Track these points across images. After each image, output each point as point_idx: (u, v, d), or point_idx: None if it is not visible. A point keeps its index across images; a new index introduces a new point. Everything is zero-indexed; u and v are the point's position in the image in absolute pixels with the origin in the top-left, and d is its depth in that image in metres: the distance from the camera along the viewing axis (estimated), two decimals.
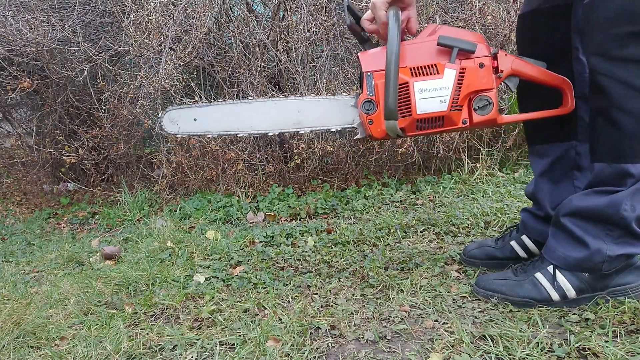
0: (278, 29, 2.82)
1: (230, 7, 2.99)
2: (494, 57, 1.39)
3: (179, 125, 1.62)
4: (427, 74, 1.34)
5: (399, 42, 1.28)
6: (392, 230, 2.20)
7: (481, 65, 1.34)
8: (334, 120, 1.52)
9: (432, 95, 1.33)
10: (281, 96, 1.55)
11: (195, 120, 1.60)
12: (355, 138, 1.68)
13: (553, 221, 1.43)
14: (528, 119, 1.48)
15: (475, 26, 2.86)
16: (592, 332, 1.24)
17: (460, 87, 1.33)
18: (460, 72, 1.33)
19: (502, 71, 1.39)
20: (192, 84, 2.76)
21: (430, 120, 1.35)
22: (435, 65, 1.34)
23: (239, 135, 1.50)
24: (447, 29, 1.37)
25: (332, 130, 1.54)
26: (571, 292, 1.36)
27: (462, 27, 2.88)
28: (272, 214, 2.68)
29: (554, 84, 1.44)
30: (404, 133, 1.37)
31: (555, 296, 1.37)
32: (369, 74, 1.36)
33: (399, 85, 1.31)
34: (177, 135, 1.68)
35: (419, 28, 1.48)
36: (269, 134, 1.64)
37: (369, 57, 1.38)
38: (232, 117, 1.56)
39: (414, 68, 1.34)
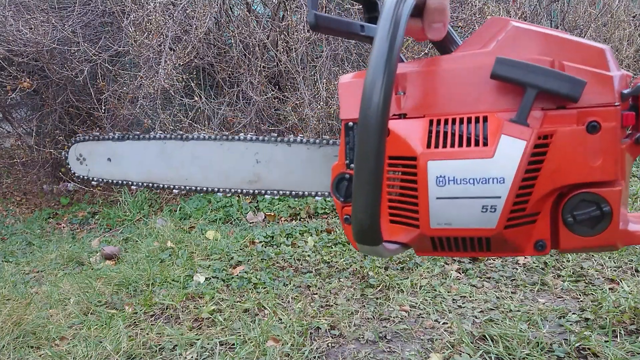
0: (278, 29, 2.82)
1: (230, 7, 2.99)
2: (630, 102, 0.65)
3: (89, 165, 1.19)
4: (460, 144, 0.63)
5: (398, 53, 0.56)
6: None
7: (593, 128, 0.60)
8: (310, 181, 0.97)
9: (466, 195, 0.62)
10: (238, 136, 1.03)
11: (109, 160, 1.16)
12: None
13: None
14: None
15: (475, 26, 2.86)
16: (592, 332, 1.24)
17: (535, 178, 0.61)
18: (537, 146, 0.60)
19: None
20: (192, 84, 2.76)
21: (460, 240, 0.66)
22: (480, 122, 0.63)
23: (174, 192, 1.03)
24: (527, 33, 0.65)
25: (307, 196, 1.01)
26: None
27: (461, 28, 2.88)
28: (272, 214, 2.68)
29: None
30: (404, 249, 0.69)
31: None
32: (349, 124, 0.71)
33: (398, 162, 0.65)
34: (92, 182, 1.20)
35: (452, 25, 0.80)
36: (218, 194, 1.09)
37: (352, 89, 0.70)
38: (160, 163, 1.10)
39: (433, 124, 0.65)
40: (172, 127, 2.78)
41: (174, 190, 1.09)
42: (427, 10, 0.65)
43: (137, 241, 2.40)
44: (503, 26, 0.66)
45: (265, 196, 1.03)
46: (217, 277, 1.80)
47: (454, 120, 0.64)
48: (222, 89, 2.97)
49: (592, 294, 1.46)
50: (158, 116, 2.77)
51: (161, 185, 1.10)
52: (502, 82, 0.62)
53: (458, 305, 1.46)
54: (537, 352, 1.18)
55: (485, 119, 0.63)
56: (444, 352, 1.22)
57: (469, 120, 0.63)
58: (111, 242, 2.52)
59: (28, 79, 2.94)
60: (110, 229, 2.84)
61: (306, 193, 0.99)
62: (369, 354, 1.25)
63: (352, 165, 0.68)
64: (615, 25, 3.33)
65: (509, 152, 0.60)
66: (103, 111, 2.96)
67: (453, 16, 2.96)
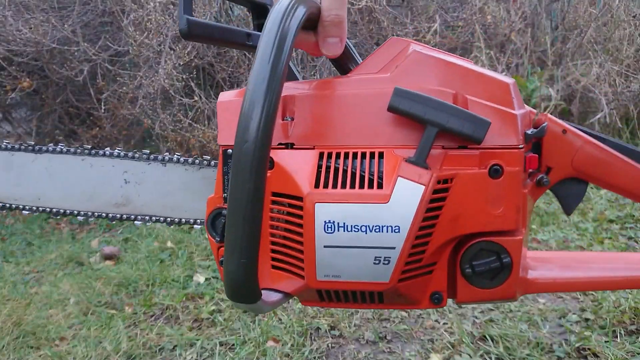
0: None
1: (230, 7, 2.99)
2: (533, 142, 0.65)
3: None
4: (352, 184, 0.55)
5: (282, 73, 0.48)
6: None
7: (495, 172, 0.56)
8: (189, 207, 0.85)
9: (358, 244, 0.55)
10: (103, 151, 0.88)
11: None
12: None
13: None
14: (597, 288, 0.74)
15: (475, 26, 2.86)
16: (592, 332, 1.24)
17: (433, 227, 0.55)
18: (436, 191, 0.54)
19: (548, 171, 0.66)
20: (192, 84, 2.76)
21: (349, 293, 0.59)
22: (375, 158, 0.56)
23: (24, 213, 0.93)
24: (429, 60, 0.59)
25: (184, 224, 0.89)
26: None
27: (461, 28, 2.88)
28: None
29: None
30: (287, 299, 0.61)
31: None
32: (228, 151, 0.61)
33: (283, 199, 0.57)
34: None
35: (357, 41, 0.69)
36: (78, 218, 0.94)
37: (232, 110, 0.59)
38: (6, 178, 0.94)
39: (323, 157, 0.56)
40: (172, 127, 2.78)
41: (23, 211, 0.91)
42: (321, 23, 0.57)
43: (137, 241, 2.40)
44: (404, 49, 0.59)
45: (135, 222, 0.87)
46: (217, 277, 1.80)
47: (346, 155, 0.56)
48: (222, 88, 2.97)
49: (592, 294, 1.46)
50: (158, 116, 2.77)
51: (7, 205, 0.92)
52: (400, 115, 0.55)
53: (458, 305, 1.47)
54: (537, 352, 1.18)
55: (381, 155, 0.55)
56: (444, 353, 1.22)
57: (363, 156, 0.55)
58: (111, 242, 2.52)
59: (28, 79, 2.93)
60: (110, 229, 2.84)
61: (183, 220, 0.85)
62: (369, 355, 1.25)
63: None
64: (615, 25, 3.32)
65: (406, 197, 0.53)
66: (103, 111, 2.96)
67: (453, 16, 2.96)
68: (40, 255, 2.43)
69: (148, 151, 0.87)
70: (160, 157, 0.87)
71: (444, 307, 1.44)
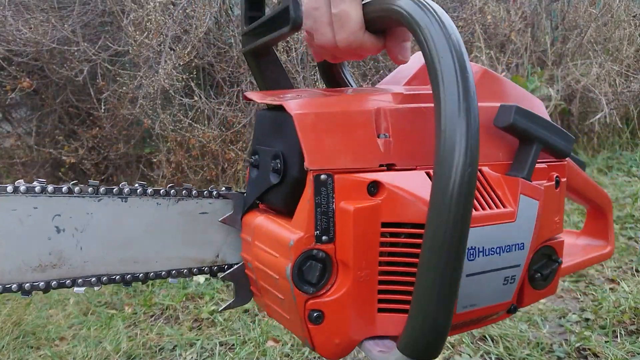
0: None
1: (230, 7, 2.99)
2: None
3: None
4: (482, 207, 0.52)
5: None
6: None
7: (557, 183, 0.60)
8: (172, 253, 0.63)
9: (492, 267, 0.53)
10: (15, 186, 0.57)
11: None
12: (221, 309, 0.78)
13: None
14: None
15: (475, 26, 2.86)
16: (592, 332, 1.24)
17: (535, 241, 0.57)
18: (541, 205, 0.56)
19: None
20: (192, 84, 2.76)
21: (473, 319, 0.56)
22: (482, 177, 0.54)
23: None
24: (490, 76, 0.60)
25: (149, 280, 0.64)
26: None
27: (461, 28, 2.88)
28: None
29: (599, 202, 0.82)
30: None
31: None
32: (321, 176, 0.48)
33: (401, 230, 0.50)
34: None
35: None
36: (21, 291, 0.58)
37: (324, 128, 0.50)
38: None
39: (432, 178, 0.49)
40: (172, 127, 2.78)
41: None
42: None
43: None
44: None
45: (75, 289, 0.60)
46: (217, 278, 1.80)
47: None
48: (222, 88, 2.97)
49: (592, 294, 1.46)
50: (158, 116, 2.77)
51: None
52: (510, 133, 0.54)
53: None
54: (537, 352, 1.18)
55: (480, 172, 0.52)
56: (444, 352, 1.22)
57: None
58: None
59: (28, 79, 2.93)
60: None
61: (152, 274, 0.62)
62: None
63: (324, 237, 0.48)
64: (615, 25, 3.32)
65: (527, 214, 0.53)
66: (103, 111, 2.96)
67: (453, 16, 2.96)
68: None
69: (97, 183, 0.60)
70: (116, 190, 0.60)
71: None
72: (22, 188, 0.56)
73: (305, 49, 2.74)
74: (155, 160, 3.11)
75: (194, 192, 0.62)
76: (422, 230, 0.44)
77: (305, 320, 0.49)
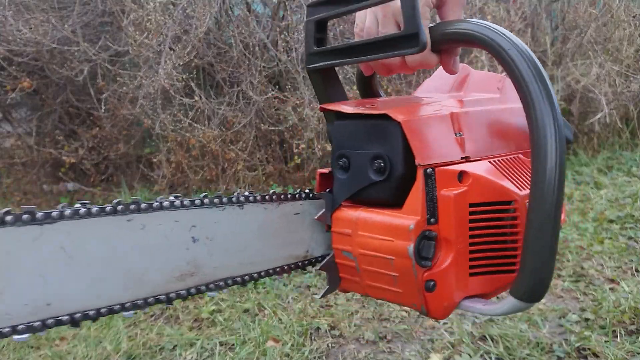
0: (278, 29, 2.82)
1: (230, 7, 2.99)
2: None
3: None
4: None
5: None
6: None
7: None
8: (276, 252, 0.69)
9: None
10: (160, 201, 0.61)
11: None
12: (321, 296, 0.83)
13: None
14: None
15: None
16: (592, 332, 1.24)
17: None
18: None
19: None
20: (192, 84, 2.76)
21: None
22: (519, 161, 0.70)
23: (16, 338, 0.50)
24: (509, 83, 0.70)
25: (257, 279, 0.69)
26: None
27: None
28: None
29: None
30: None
31: None
32: (428, 170, 0.60)
33: (487, 207, 0.62)
34: None
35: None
36: (125, 314, 0.61)
37: (428, 130, 0.63)
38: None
39: (496, 165, 0.66)
40: (172, 127, 2.78)
41: (14, 336, 0.50)
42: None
43: None
44: (468, 74, 0.75)
45: (208, 294, 0.65)
46: None
47: (506, 161, 0.66)
48: (222, 88, 2.97)
49: (592, 294, 1.46)
50: (158, 116, 2.77)
51: None
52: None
53: None
54: (537, 352, 1.18)
55: (517, 159, 0.68)
56: (444, 352, 1.22)
57: (512, 161, 0.67)
58: None
59: (28, 79, 2.93)
60: None
61: (262, 273, 0.68)
62: (369, 354, 1.25)
63: (432, 219, 0.60)
64: (615, 25, 3.32)
65: None
66: (103, 111, 2.96)
67: None
68: None
69: (219, 196, 0.65)
70: (234, 198, 0.65)
71: None
72: (166, 203, 0.60)
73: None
74: (155, 160, 3.11)
75: (289, 195, 0.69)
76: (498, 207, 0.60)
77: (423, 290, 0.60)
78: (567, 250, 1.75)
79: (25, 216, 0.51)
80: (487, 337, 1.25)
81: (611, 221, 2.01)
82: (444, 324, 1.36)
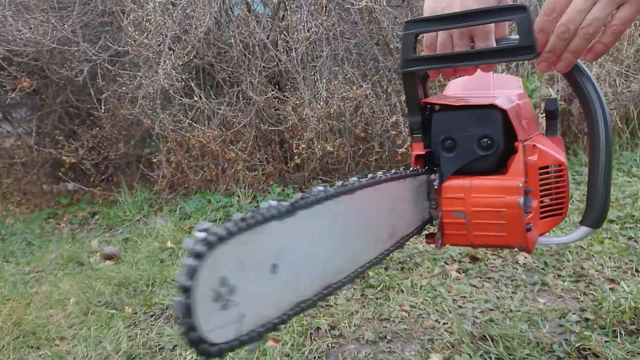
0: (278, 29, 2.82)
1: (230, 7, 2.99)
2: None
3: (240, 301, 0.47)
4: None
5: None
6: None
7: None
8: (413, 217, 0.81)
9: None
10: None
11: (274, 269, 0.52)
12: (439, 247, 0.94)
13: None
14: None
15: None
16: (592, 332, 1.24)
17: None
18: None
19: None
20: (192, 84, 2.76)
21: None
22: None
23: None
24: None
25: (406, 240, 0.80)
26: None
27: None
28: None
29: None
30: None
31: None
32: (524, 144, 0.84)
33: (548, 169, 0.87)
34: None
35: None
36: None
37: (516, 112, 0.86)
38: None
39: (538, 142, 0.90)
40: (172, 127, 2.78)
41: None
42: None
43: (137, 241, 2.40)
44: (486, 76, 0.99)
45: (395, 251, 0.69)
46: None
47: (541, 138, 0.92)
48: (222, 88, 2.97)
49: (592, 294, 1.46)
50: (158, 116, 2.77)
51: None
52: (549, 114, 1.04)
53: (458, 306, 1.46)
54: (537, 352, 1.18)
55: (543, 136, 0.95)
56: (444, 352, 1.22)
57: (542, 137, 0.94)
58: (111, 242, 2.52)
59: (28, 79, 2.93)
60: (110, 229, 2.84)
61: (402, 240, 0.78)
62: (369, 354, 1.25)
63: (526, 180, 0.82)
64: None
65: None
66: (103, 111, 2.96)
67: None
68: (40, 255, 2.43)
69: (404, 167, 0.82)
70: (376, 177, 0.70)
71: (444, 307, 1.44)
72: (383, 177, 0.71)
73: (305, 49, 2.74)
74: (155, 160, 3.11)
75: (412, 170, 0.83)
76: (557, 168, 0.86)
77: (524, 231, 0.81)
78: (567, 250, 1.75)
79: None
80: (487, 337, 1.25)
81: (611, 221, 2.01)
82: (444, 323, 1.36)
